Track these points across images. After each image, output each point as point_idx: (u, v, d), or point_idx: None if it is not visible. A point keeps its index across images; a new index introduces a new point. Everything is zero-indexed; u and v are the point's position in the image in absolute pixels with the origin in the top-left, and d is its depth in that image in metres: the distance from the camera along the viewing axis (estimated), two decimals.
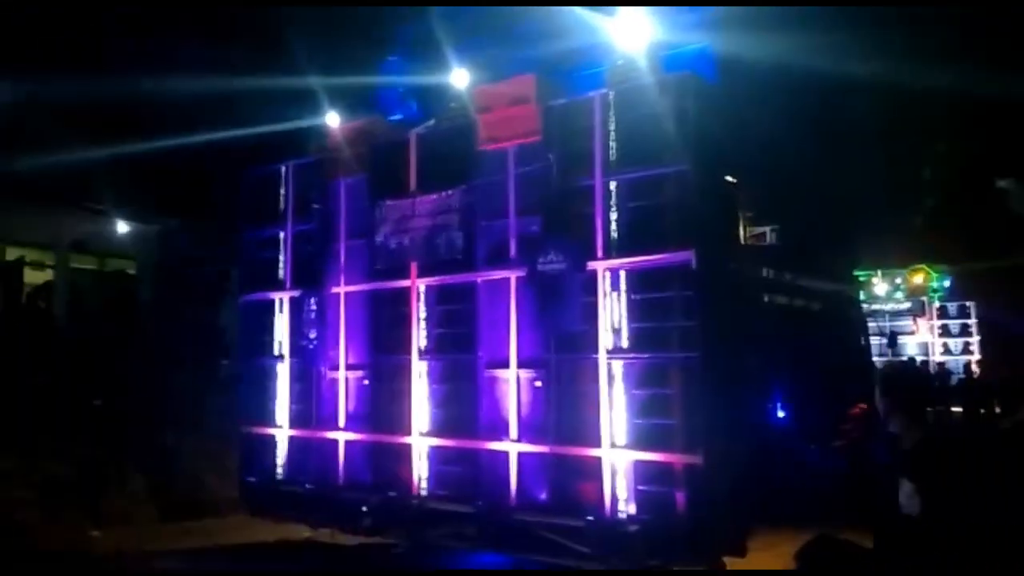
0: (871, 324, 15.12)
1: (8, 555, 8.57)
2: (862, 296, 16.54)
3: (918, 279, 20.53)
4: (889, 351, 16.74)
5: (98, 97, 11.96)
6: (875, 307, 19.68)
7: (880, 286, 20.57)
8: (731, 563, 6.08)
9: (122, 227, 15.33)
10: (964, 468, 3.34)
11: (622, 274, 6.41)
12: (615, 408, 6.32)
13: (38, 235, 14.63)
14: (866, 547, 2.70)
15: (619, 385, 6.34)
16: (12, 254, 14.04)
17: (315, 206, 8.53)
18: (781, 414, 10.34)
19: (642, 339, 6.30)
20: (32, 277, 14.40)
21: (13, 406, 9.91)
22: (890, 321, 20.07)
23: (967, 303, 19.96)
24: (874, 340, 14.36)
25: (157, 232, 15.81)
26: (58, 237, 14.98)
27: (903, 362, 15.38)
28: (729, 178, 6.81)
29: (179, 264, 14.81)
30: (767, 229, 10.75)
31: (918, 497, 3.18)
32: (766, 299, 10.45)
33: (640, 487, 6.19)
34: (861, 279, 17.69)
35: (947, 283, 20.43)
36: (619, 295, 6.40)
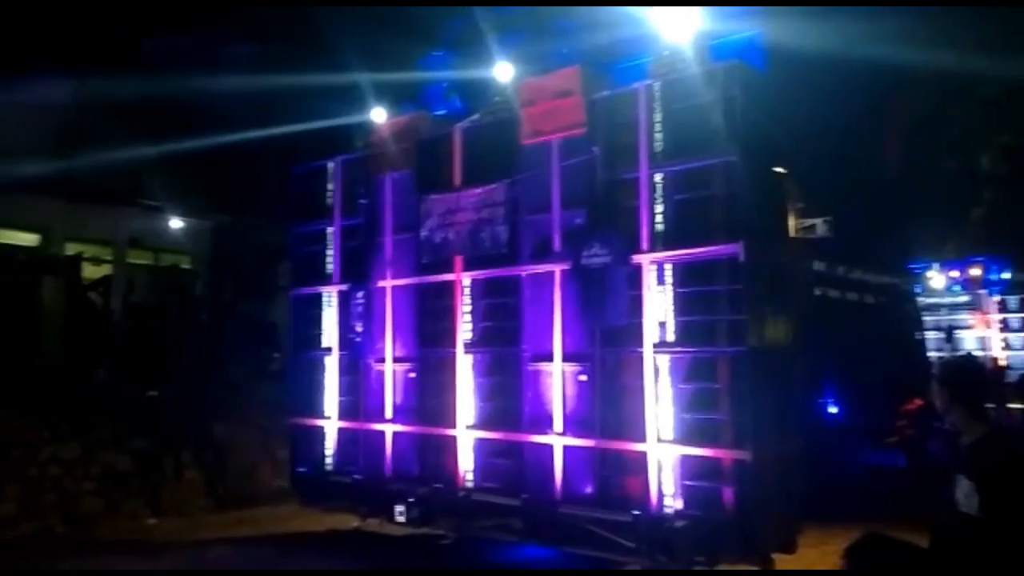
0: (928, 318, 14.74)
1: (70, 542, 8.89)
2: (918, 289, 16.12)
3: (977, 272, 19.87)
4: (947, 346, 16.29)
5: (152, 96, 12.28)
6: (932, 301, 19.13)
7: (937, 279, 19.97)
8: (780, 560, 5.99)
9: (176, 223, 15.72)
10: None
11: (668, 267, 6.33)
12: (661, 402, 6.25)
13: (96, 231, 15.07)
14: (918, 545, 2.63)
15: (665, 379, 6.26)
16: (71, 250, 14.49)
17: (362, 201, 8.63)
18: (834, 410, 10.17)
19: (689, 333, 6.22)
20: (91, 272, 14.84)
21: (74, 398, 10.23)
22: (948, 315, 19.49)
23: None
24: (931, 335, 14.02)
25: (210, 227, 16.17)
26: (115, 233, 15.41)
27: (962, 356, 14.93)
28: (778, 169, 6.67)
29: (231, 259, 15.12)
30: (818, 221, 10.54)
31: (977, 496, 3.08)
32: (817, 292, 10.28)
33: (687, 482, 6.11)
34: (917, 272, 17.23)
35: (1007, 276, 19.73)
36: (665, 288, 6.32)
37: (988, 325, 19.64)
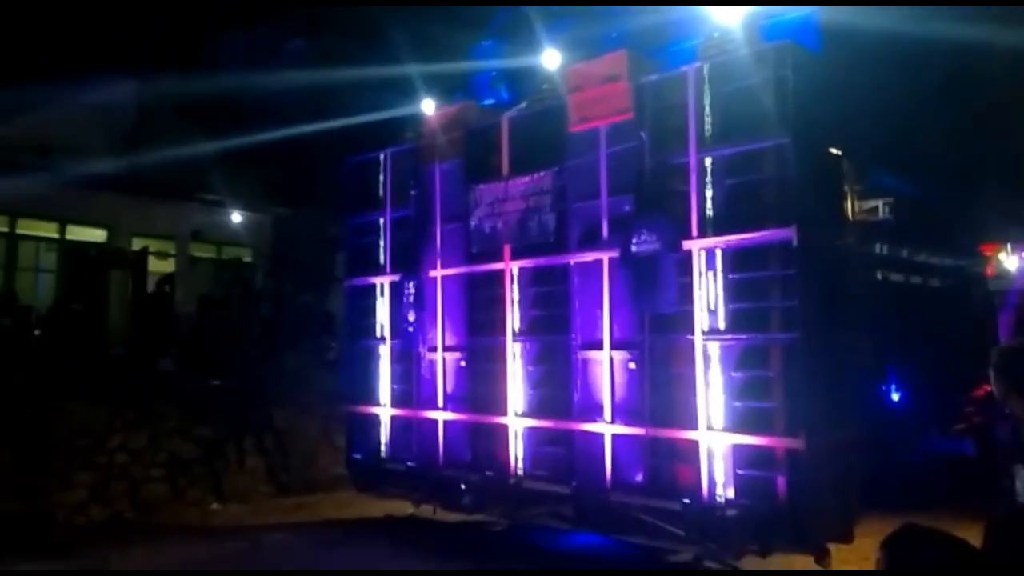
0: (1000, 303, 14.16)
1: (138, 527, 9.27)
2: (992, 272, 15.51)
3: None
4: (1019, 331, 15.65)
5: (211, 93, 12.61)
6: (1006, 284, 18.41)
7: (1011, 260, 19.20)
8: (836, 550, 5.88)
9: (236, 217, 16.15)
10: None
11: (718, 253, 6.23)
12: (712, 390, 6.17)
13: (161, 226, 15.60)
14: (961, 539, 2.53)
15: (716, 367, 6.18)
16: (137, 244, 15.03)
17: (412, 192, 8.72)
18: (896, 396, 9.89)
19: (740, 320, 6.12)
20: (156, 266, 15.38)
21: (141, 388, 10.64)
22: (1022, 299, 18.73)
23: None
24: (1005, 319, 13.47)
25: (270, 221, 16.55)
26: (178, 227, 15.92)
27: (1018, 342, 14.34)
28: (834, 150, 6.49)
29: (290, 251, 15.46)
30: (880, 202, 10.23)
31: None
32: (879, 276, 9.99)
33: (739, 471, 6.04)
34: (988, 254, 16.58)
35: None
36: (715, 275, 6.23)
37: None
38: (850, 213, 7.83)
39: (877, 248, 10.13)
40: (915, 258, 11.19)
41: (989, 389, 9.63)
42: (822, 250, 6.10)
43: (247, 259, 17.32)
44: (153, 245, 15.26)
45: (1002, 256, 18.75)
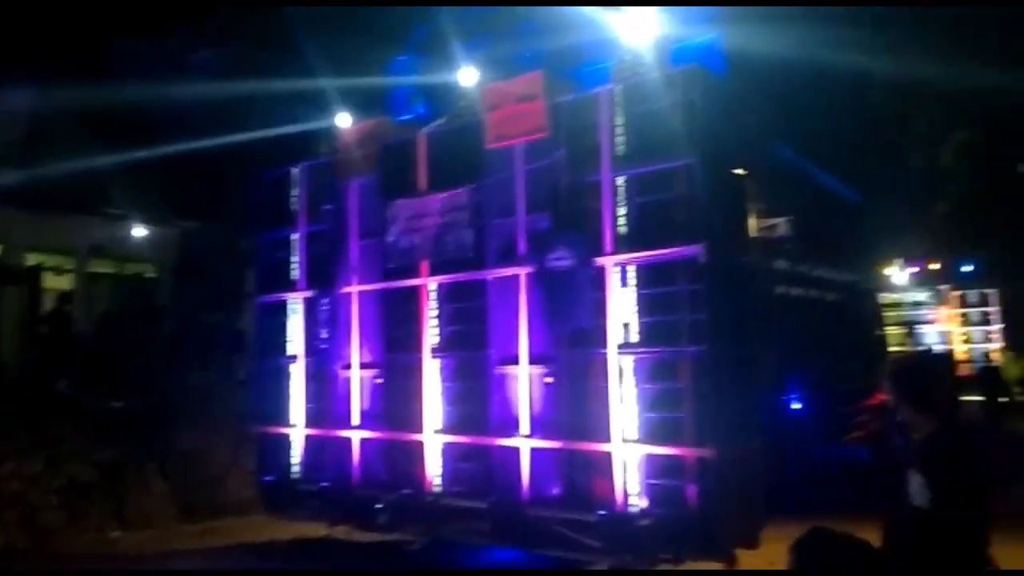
0: (890, 314, 15.06)
1: (32, 556, 8.76)
2: (881, 286, 16.44)
3: (937, 267, 20.31)
4: (909, 341, 16.64)
5: (114, 103, 12.14)
6: (894, 297, 19.51)
7: (899, 275, 20.38)
8: (743, 555, 6.09)
9: (139, 231, 15.53)
10: (974, 461, 3.33)
11: (631, 269, 6.42)
12: (626, 403, 6.33)
13: (58, 240, 14.86)
14: (863, 539, 2.71)
15: (629, 380, 6.35)
16: (32, 260, 14.26)
17: (326, 207, 8.61)
18: (796, 406, 10.35)
19: (652, 334, 6.31)
20: (53, 282, 14.62)
21: (36, 410, 10.09)
22: (910, 311, 19.91)
23: (988, 291, 19.72)
24: (894, 330, 14.32)
25: (174, 235, 15.99)
26: (77, 242, 15.20)
27: (909, 354, 15.28)
28: (738, 171, 6.79)
29: (196, 267, 14.98)
30: (780, 220, 10.72)
31: (928, 491, 3.18)
32: (779, 291, 10.46)
33: (651, 481, 6.20)
34: (879, 269, 17.56)
35: (968, 270, 20.19)
36: (628, 290, 6.41)
37: (949, 319, 20.10)
38: (753, 230, 8.19)
39: (777, 264, 10.62)
40: (812, 273, 11.75)
41: (883, 398, 10.21)
42: (728, 266, 6.36)
43: (150, 275, 16.67)
44: (49, 260, 14.51)
45: (891, 270, 19.90)
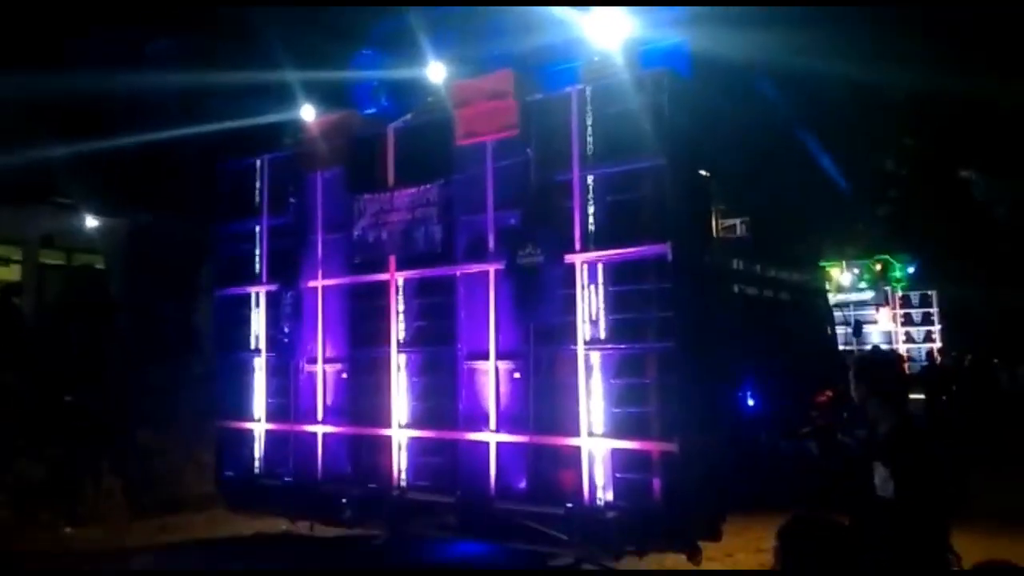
0: (837, 313, 15.48)
1: None
2: (827, 286, 16.89)
3: (880, 268, 20.96)
4: (854, 340, 17.12)
5: (65, 89, 11.78)
6: (840, 297, 20.07)
7: (844, 276, 20.97)
8: (706, 548, 6.23)
9: (91, 221, 15.09)
10: (934, 452, 3.49)
11: (599, 267, 6.50)
12: (593, 398, 6.42)
13: (4, 230, 14.37)
14: (842, 524, 2.86)
15: (597, 375, 6.43)
16: None
17: (291, 200, 8.50)
18: (751, 402, 10.58)
19: (619, 330, 6.40)
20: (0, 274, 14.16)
21: None
22: (855, 311, 20.48)
23: (929, 292, 20.43)
24: (839, 329, 14.73)
25: (127, 226, 15.58)
26: (26, 232, 14.72)
27: (874, 350, 15.75)
28: (703, 172, 6.93)
29: (150, 259, 14.63)
30: (737, 221, 10.96)
31: (892, 481, 3.32)
32: (736, 290, 10.69)
33: (617, 475, 6.30)
34: (826, 269, 18.05)
35: (910, 271, 20.88)
36: (597, 287, 6.49)
37: (892, 319, 20.77)
38: (715, 231, 8.38)
39: (735, 263, 10.84)
40: (766, 273, 12.02)
41: (831, 394, 10.52)
42: (694, 265, 6.48)
43: (99, 266, 16.22)
44: None
45: (837, 270, 20.45)
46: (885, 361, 3.96)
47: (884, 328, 20.53)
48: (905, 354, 19.50)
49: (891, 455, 3.41)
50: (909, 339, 20.41)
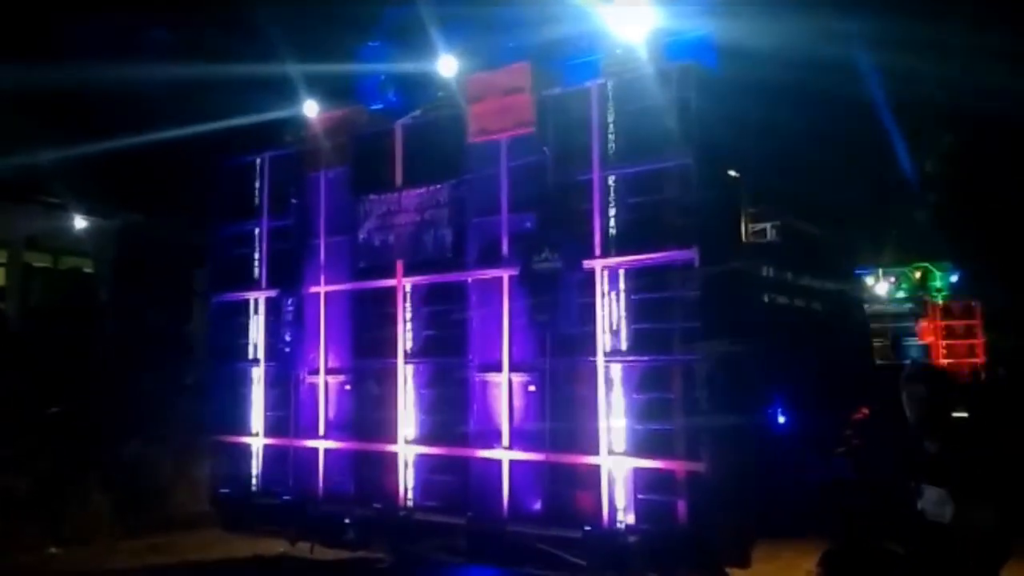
0: (873, 325, 15.38)
1: None
2: (863, 296, 16.75)
3: (921, 277, 20.76)
4: (892, 354, 16.98)
5: (57, 84, 11.88)
6: (876, 308, 19.88)
7: (881, 285, 20.78)
8: (734, 574, 6.19)
9: (79, 222, 15.21)
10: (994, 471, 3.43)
11: (621, 273, 6.50)
12: (613, 413, 6.41)
13: None
14: (893, 550, 2.81)
15: (618, 389, 6.43)
16: None
17: (293, 200, 8.57)
18: (782, 419, 10.51)
19: (642, 341, 6.40)
20: None
21: None
22: (892, 323, 20.29)
23: (973, 303, 20.20)
24: (877, 342, 14.65)
25: (117, 228, 15.70)
26: (11, 233, 14.85)
27: (913, 363, 15.61)
28: (732, 172, 6.92)
29: (141, 262, 14.72)
30: (768, 225, 10.88)
31: (951, 503, 3.26)
32: (766, 299, 10.62)
33: (640, 496, 6.28)
34: (861, 278, 17.89)
35: (952, 280, 20.65)
36: (618, 295, 6.49)
37: (932, 332, 20.54)
38: (744, 236, 8.34)
39: (765, 270, 10.78)
40: (799, 281, 11.94)
41: (868, 412, 10.40)
42: (721, 272, 6.46)
43: (88, 269, 16.34)
44: None
45: (873, 279, 20.29)
46: (939, 374, 3.92)
47: (924, 341, 20.30)
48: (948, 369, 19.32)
49: (947, 475, 3.36)
50: (951, 353, 20.17)
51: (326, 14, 12.42)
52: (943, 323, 20.23)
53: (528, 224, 6.94)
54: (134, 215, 15.57)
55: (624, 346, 6.45)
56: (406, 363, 7.56)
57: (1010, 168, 20.06)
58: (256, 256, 8.93)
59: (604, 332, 6.49)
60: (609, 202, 6.60)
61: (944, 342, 20.21)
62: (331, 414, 8.12)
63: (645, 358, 6.37)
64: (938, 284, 20.72)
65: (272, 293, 8.64)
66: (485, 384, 7.10)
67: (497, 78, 7.25)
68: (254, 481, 8.63)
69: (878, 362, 14.63)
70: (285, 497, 8.18)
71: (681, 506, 6.10)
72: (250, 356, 8.84)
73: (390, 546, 7.49)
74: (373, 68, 9.54)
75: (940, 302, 20.61)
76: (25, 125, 12.66)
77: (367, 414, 7.82)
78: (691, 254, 6.14)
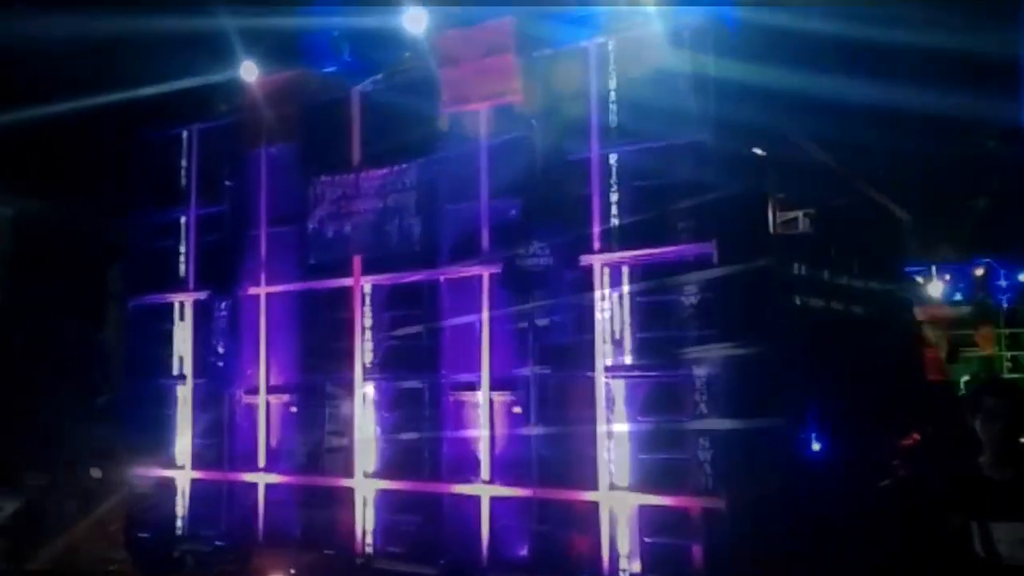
0: (926, 332, 15.51)
1: None
2: (913, 297, 16.89)
3: (983, 275, 20.94)
4: (947, 367, 17.12)
5: None
6: (929, 311, 20.02)
7: (935, 285, 20.93)
8: None
9: None
10: None
11: (624, 271, 6.58)
12: (615, 439, 6.47)
13: None
14: None
15: (620, 410, 6.49)
16: None
17: (227, 183, 8.61)
18: (817, 446, 10.62)
19: (649, 352, 6.47)
20: None
21: None
22: (948, 330, 20.44)
23: None
24: (930, 352, 14.78)
25: (11, 216, 15.63)
26: None
27: (997, 375, 15.72)
28: (756, 150, 6.98)
29: (41, 257, 14.67)
30: (799, 214, 10.97)
31: None
32: (798, 302, 10.72)
33: (647, 539, 6.35)
34: (913, 277, 18.04)
35: (1021, 279, 20.81)
36: (621, 297, 6.55)
37: (994, 341, 20.74)
38: (771, 226, 8.42)
39: (796, 268, 10.87)
40: (836, 280, 12.04)
41: (919, 437, 10.51)
42: (743, 269, 6.51)
43: None
44: None
45: (928, 278, 20.47)
46: (1018, 389, 3.99)
47: (985, 352, 20.48)
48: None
49: None
50: (1017, 367, 20.38)
51: None
52: (1008, 331, 20.44)
53: (512, 212, 7.00)
54: (32, 201, 15.49)
55: (628, 358, 6.51)
56: (365, 379, 7.62)
57: None
58: (182, 250, 9.00)
59: (604, 341, 6.55)
60: (610, 186, 6.66)
61: (1009, 353, 20.41)
62: (273, 442, 8.17)
63: (653, 372, 6.44)
64: (1004, 284, 20.90)
65: (201, 295, 8.70)
66: (460, 404, 7.16)
67: (475, 36, 7.29)
68: (179, 523, 8.68)
69: (930, 377, 14.78)
70: (217, 543, 8.24)
71: (696, 551, 6.18)
72: (175, 371, 8.90)
73: None
74: (325, 22, 9.54)
75: (1005, 305, 20.80)
76: None
77: (317, 442, 7.85)
78: (708, 248, 6.23)
